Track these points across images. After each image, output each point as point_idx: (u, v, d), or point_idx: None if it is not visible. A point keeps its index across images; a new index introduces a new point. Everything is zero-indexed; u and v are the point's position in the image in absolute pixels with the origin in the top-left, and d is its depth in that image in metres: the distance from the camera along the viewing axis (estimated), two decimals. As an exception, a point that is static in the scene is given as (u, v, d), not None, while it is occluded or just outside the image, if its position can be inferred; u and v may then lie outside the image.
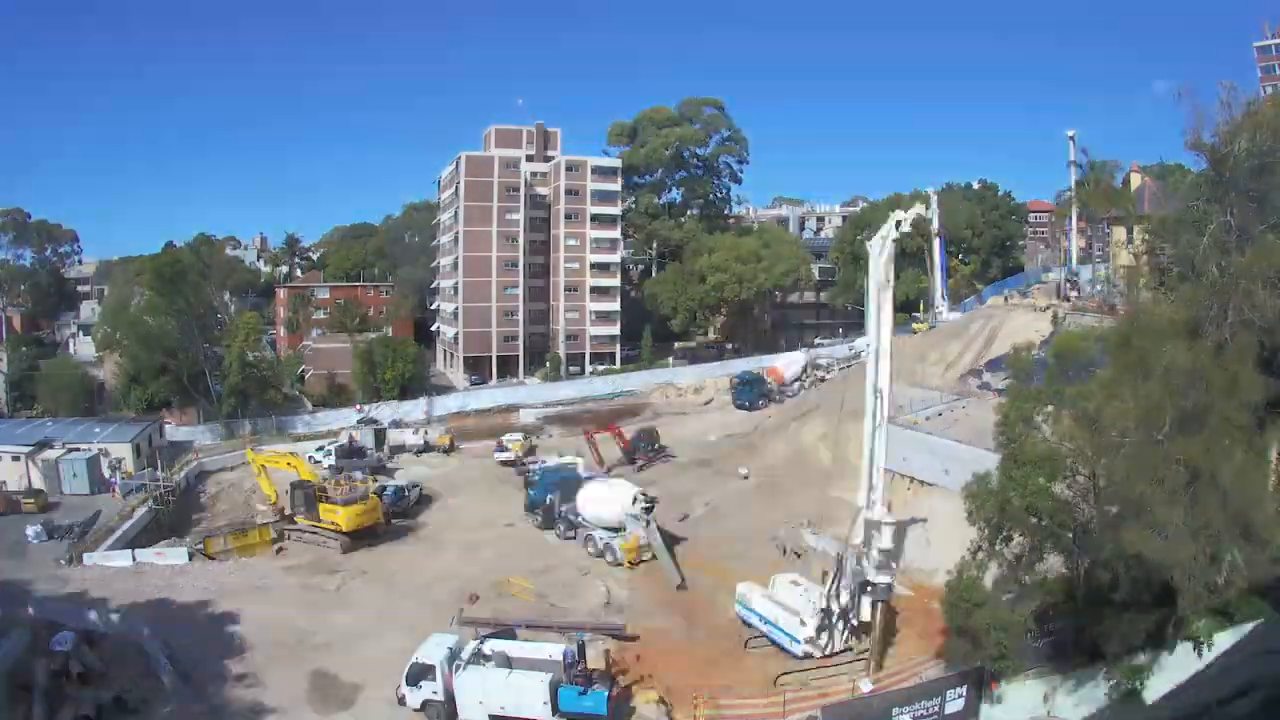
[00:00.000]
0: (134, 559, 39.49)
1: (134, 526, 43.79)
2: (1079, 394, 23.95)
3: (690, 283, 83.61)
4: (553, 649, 26.39)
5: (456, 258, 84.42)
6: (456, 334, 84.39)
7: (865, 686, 26.51)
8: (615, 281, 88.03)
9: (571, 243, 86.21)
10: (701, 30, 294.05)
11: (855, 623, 29.38)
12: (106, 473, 49.61)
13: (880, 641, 28.15)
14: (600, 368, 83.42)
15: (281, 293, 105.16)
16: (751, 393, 66.19)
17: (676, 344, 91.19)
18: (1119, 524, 21.66)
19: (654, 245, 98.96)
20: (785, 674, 28.15)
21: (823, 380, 68.19)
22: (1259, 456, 21.16)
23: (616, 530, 38.61)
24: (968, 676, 26.18)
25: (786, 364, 71.07)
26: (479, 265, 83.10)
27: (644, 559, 37.67)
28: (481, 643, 26.69)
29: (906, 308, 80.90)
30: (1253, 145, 21.94)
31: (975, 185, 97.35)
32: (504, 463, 55.33)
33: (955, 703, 26.23)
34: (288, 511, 43.02)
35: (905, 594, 32.01)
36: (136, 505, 45.69)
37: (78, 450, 50.06)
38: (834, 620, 28.97)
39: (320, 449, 54.97)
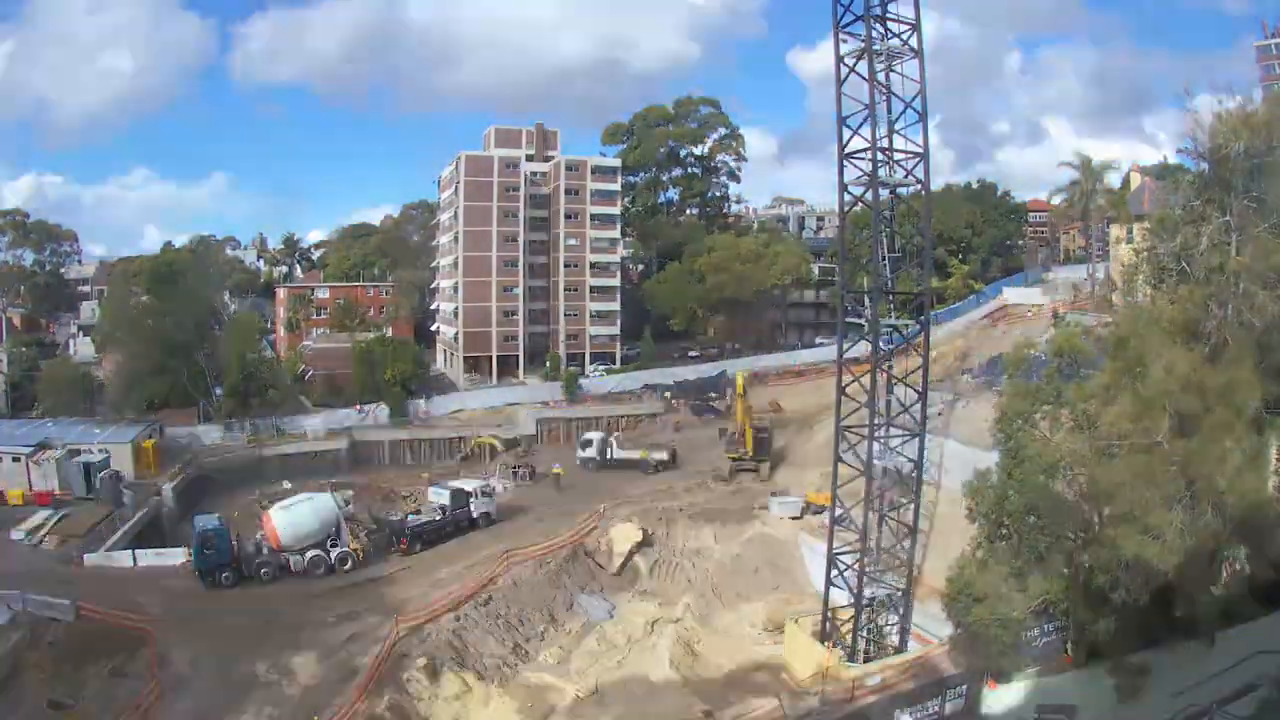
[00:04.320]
0: (134, 560, 39.56)
1: (134, 527, 43.76)
2: (1077, 394, 23.97)
3: (690, 282, 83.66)
4: None
5: (456, 258, 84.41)
6: (456, 334, 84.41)
7: (873, 681, 26.56)
8: (615, 281, 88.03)
9: (571, 243, 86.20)
10: (704, 30, 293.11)
11: None
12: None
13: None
14: (601, 367, 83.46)
15: (281, 293, 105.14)
16: None
17: (685, 344, 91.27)
18: (1117, 527, 21.70)
19: (654, 244, 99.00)
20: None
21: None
22: (1257, 459, 21.13)
23: None
24: (968, 676, 26.25)
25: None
26: (479, 265, 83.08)
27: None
28: None
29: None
30: (1251, 146, 21.94)
31: (974, 184, 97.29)
32: None
33: (955, 701, 26.32)
34: None
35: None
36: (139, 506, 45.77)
37: (87, 452, 49.87)
38: None
39: None
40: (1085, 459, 22.76)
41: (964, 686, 26.25)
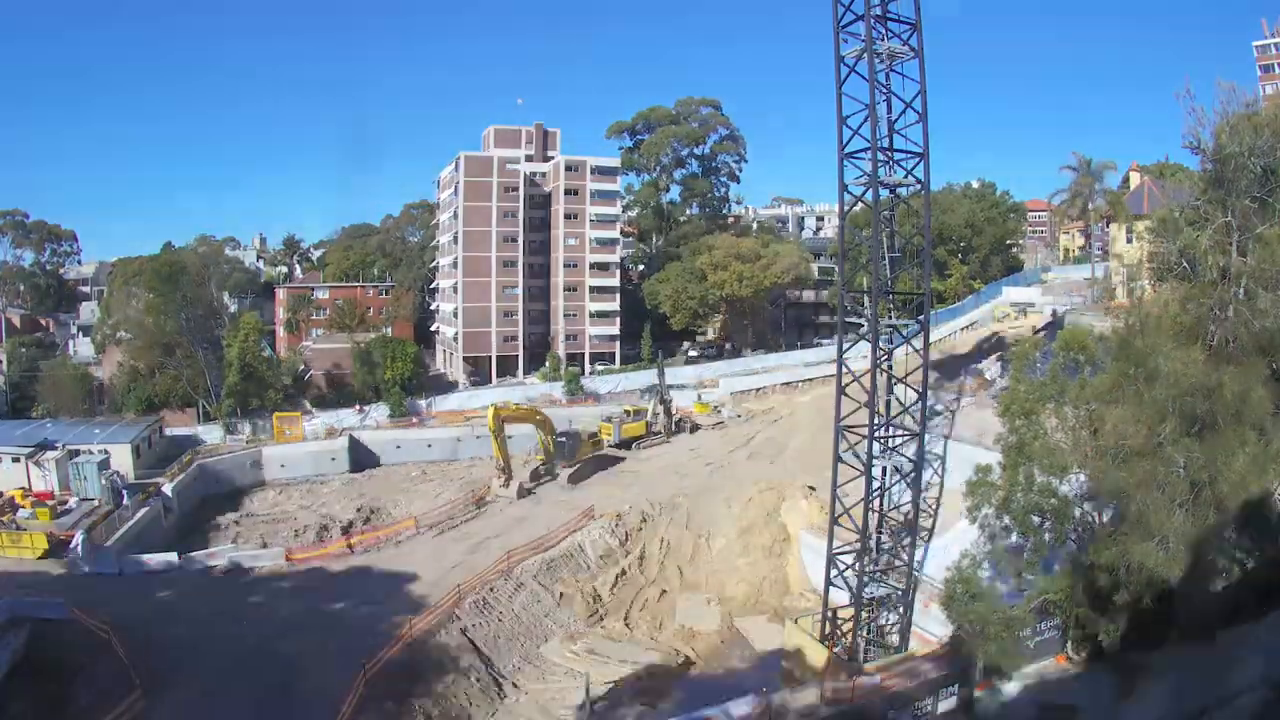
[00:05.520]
0: (120, 566, 39.13)
1: (131, 530, 43.59)
2: (1080, 394, 23.91)
3: (692, 281, 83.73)
4: None
5: (456, 258, 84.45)
6: (456, 334, 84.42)
7: (873, 681, 26.46)
8: (615, 281, 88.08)
9: (571, 242, 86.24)
10: (704, 29, 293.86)
11: None
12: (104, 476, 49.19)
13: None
14: (600, 367, 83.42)
15: (281, 293, 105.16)
16: None
17: (686, 344, 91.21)
18: (1119, 530, 21.65)
19: (654, 244, 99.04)
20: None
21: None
22: (1261, 461, 21.04)
23: None
24: (966, 675, 26.22)
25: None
26: (478, 265, 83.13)
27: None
28: None
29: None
30: (1254, 146, 21.87)
31: (974, 184, 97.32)
32: None
33: (949, 700, 26.27)
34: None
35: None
36: (137, 507, 45.66)
37: (89, 453, 49.79)
38: None
39: None
40: (1090, 460, 22.73)
41: (963, 686, 26.22)
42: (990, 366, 51.96)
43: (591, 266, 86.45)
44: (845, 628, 30.82)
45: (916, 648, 29.98)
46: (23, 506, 44.73)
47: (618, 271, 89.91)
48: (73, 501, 46.04)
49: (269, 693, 28.18)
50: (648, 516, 45.87)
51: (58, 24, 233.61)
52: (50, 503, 45.59)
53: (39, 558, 39.35)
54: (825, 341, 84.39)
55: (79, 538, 39.44)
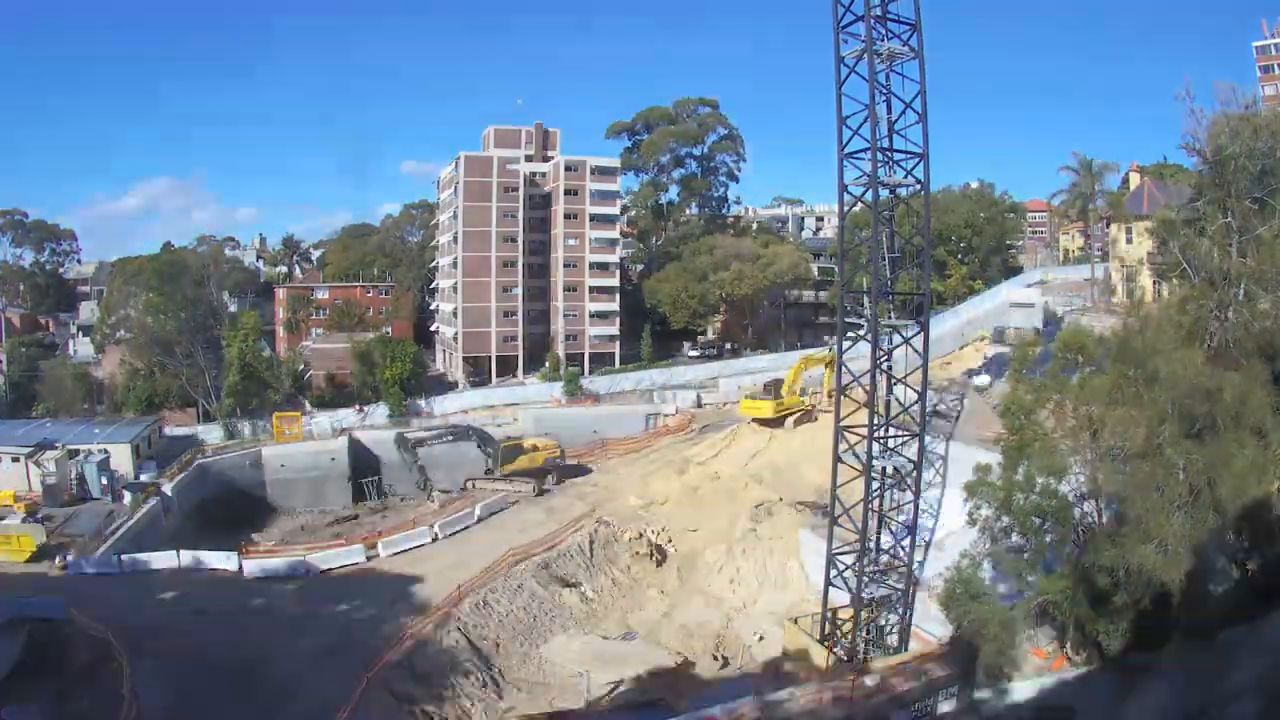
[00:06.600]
0: (120, 567, 39.01)
1: (131, 529, 43.51)
2: (1080, 395, 23.91)
3: (692, 281, 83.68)
4: None
5: (455, 258, 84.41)
6: (456, 334, 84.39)
7: (873, 681, 26.47)
8: (614, 281, 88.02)
9: (571, 243, 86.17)
10: (703, 29, 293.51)
11: None
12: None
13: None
14: (601, 367, 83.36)
15: (281, 293, 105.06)
16: None
17: (686, 344, 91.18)
18: (1119, 531, 21.65)
19: (654, 244, 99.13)
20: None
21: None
22: (1260, 464, 21.04)
23: None
24: (965, 675, 26.22)
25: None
26: (478, 265, 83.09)
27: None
28: None
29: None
30: (1252, 148, 21.90)
31: (974, 184, 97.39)
32: None
33: (949, 701, 26.28)
34: None
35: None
36: (136, 507, 45.64)
37: (89, 452, 49.69)
38: None
39: None
40: (1087, 460, 22.74)
41: (963, 686, 26.22)
42: (990, 366, 52.08)
43: (591, 266, 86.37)
44: (845, 628, 30.83)
45: (916, 648, 29.99)
46: (15, 510, 44.25)
47: (618, 271, 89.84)
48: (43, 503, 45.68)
49: (270, 693, 28.19)
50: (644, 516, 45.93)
51: (52, 17, 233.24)
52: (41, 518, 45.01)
53: (26, 560, 39.24)
54: (825, 341, 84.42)
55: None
